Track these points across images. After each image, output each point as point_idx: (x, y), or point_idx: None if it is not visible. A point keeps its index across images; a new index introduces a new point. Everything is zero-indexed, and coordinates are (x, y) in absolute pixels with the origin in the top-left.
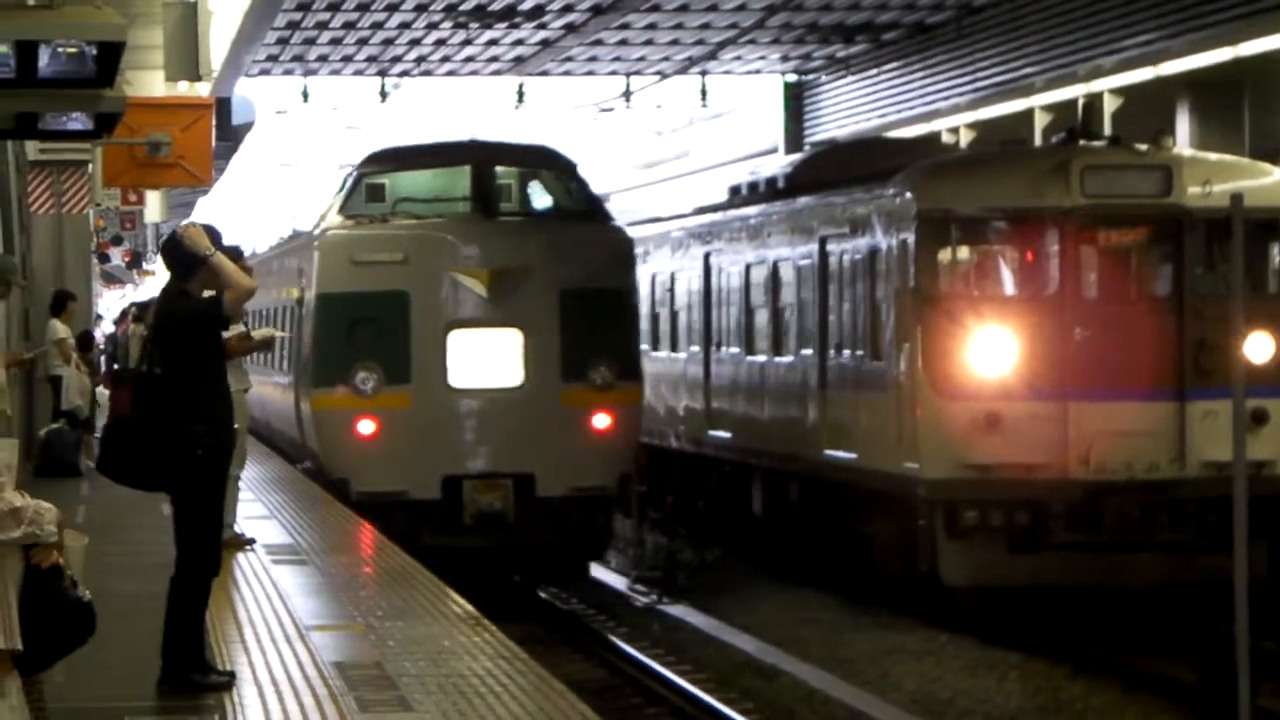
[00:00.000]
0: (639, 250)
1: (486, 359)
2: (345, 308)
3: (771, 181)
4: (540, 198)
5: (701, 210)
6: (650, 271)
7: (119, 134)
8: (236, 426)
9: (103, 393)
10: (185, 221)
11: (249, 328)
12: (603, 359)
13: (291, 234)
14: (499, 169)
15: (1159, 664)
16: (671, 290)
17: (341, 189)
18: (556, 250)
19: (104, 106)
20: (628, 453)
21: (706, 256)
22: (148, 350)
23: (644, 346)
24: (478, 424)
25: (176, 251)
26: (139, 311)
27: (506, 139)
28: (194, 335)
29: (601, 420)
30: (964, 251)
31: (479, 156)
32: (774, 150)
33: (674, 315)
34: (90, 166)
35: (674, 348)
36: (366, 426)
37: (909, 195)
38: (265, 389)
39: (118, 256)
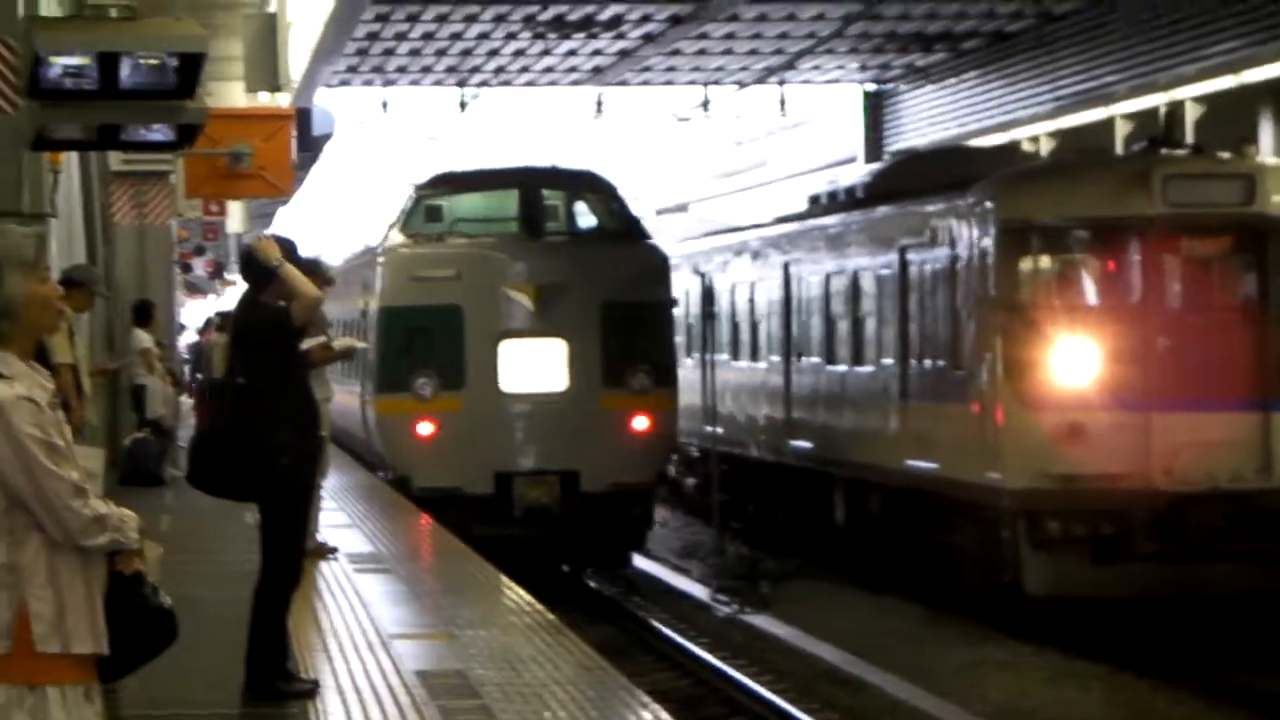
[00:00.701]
0: (719, 259)
1: (534, 366)
2: (405, 319)
3: (851, 191)
4: (583, 218)
5: (781, 220)
6: (729, 281)
7: (200, 145)
8: (322, 434)
9: (186, 401)
10: (260, 233)
11: (330, 338)
12: (641, 366)
13: (362, 249)
14: (545, 192)
15: (1244, 675)
16: (751, 300)
17: (403, 209)
18: (598, 267)
19: (185, 118)
20: (664, 452)
21: (786, 266)
22: (231, 359)
23: (723, 356)
24: (526, 425)
25: (250, 263)
26: (221, 321)
27: (559, 160)
28: (270, 343)
29: (640, 422)
30: (1045, 261)
31: (527, 181)
32: (853, 159)
33: (754, 325)
34: (172, 177)
35: (754, 357)
36: (425, 428)
37: (990, 204)
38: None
39: (200, 267)
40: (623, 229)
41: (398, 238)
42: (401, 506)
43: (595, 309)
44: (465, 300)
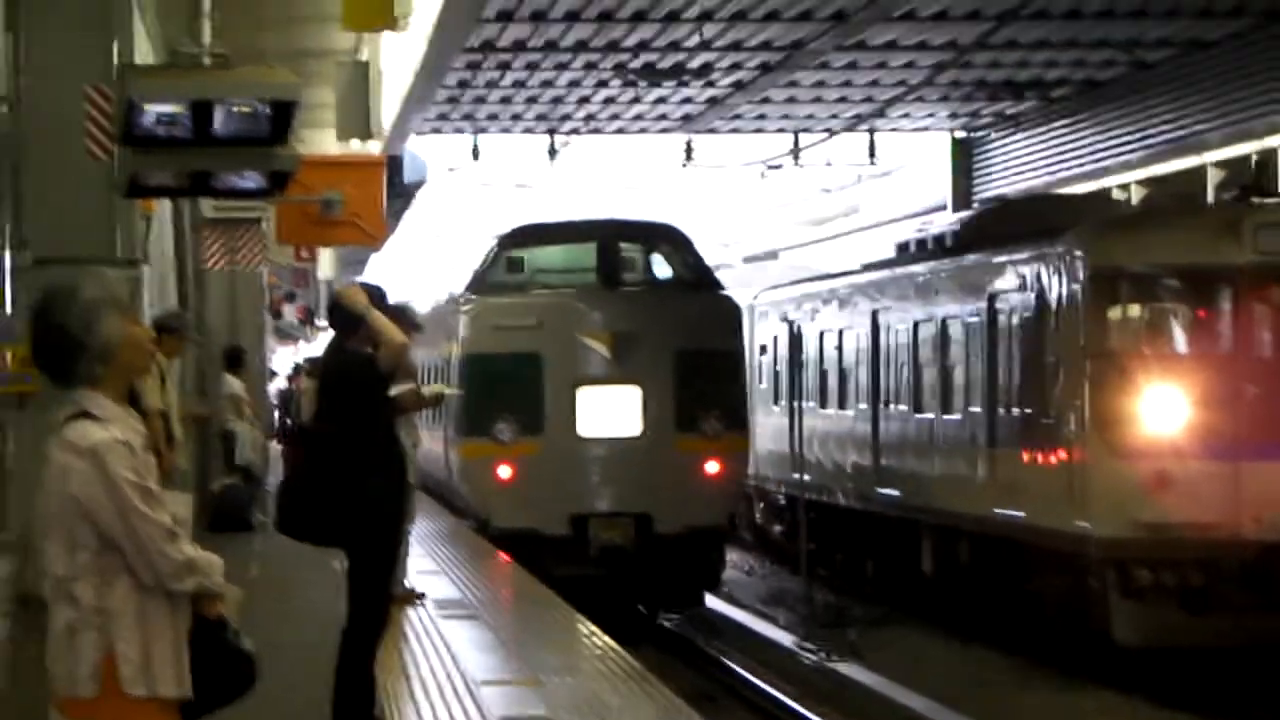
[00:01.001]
0: (808, 307)
1: (610, 411)
2: (487, 366)
3: (940, 239)
4: (658, 269)
5: (869, 267)
6: (818, 328)
7: (292, 191)
8: (410, 481)
9: (275, 448)
10: (349, 280)
11: (419, 384)
12: (712, 411)
13: (447, 298)
14: (622, 244)
15: None
16: (839, 347)
17: (485, 259)
18: (671, 316)
19: (277, 165)
20: (735, 495)
21: (874, 314)
22: (319, 405)
23: (811, 403)
24: (602, 469)
25: (337, 310)
26: (310, 367)
27: (648, 208)
28: (357, 390)
29: (712, 466)
30: (1135, 308)
31: (604, 233)
32: (942, 207)
33: (842, 372)
34: (264, 224)
35: (842, 404)
36: (505, 471)
37: (1080, 252)
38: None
39: (290, 313)
40: (695, 279)
41: (480, 287)
42: (486, 551)
43: (669, 356)
44: (545, 348)
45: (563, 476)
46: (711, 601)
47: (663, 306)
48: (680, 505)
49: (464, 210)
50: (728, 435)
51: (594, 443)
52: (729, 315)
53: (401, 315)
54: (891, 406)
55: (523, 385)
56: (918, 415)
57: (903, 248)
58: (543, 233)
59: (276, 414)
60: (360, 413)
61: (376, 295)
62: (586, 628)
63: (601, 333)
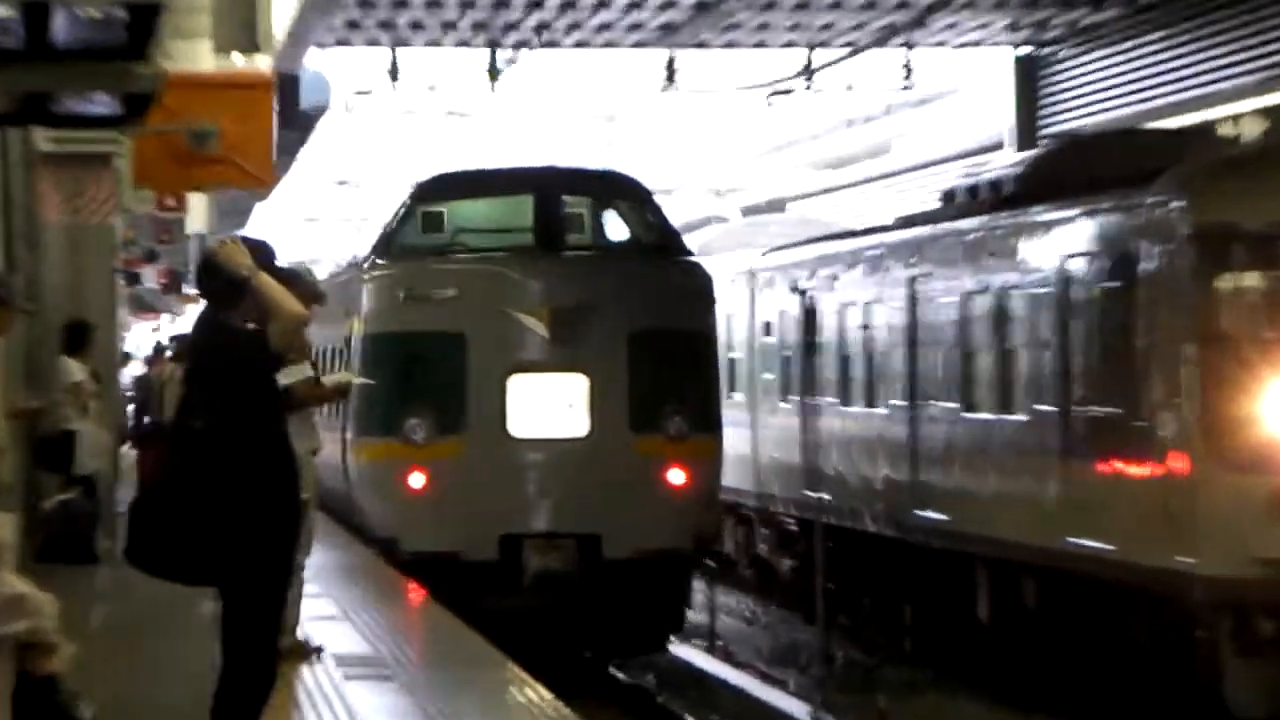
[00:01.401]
0: (824, 274)
1: (548, 406)
2: (396, 348)
3: (997, 186)
4: (611, 230)
5: (905, 223)
6: (837, 301)
7: (154, 121)
8: (305, 497)
9: (128, 453)
10: (227, 237)
11: (319, 371)
12: (677, 407)
13: (348, 263)
14: (566, 198)
15: None
16: (866, 326)
17: (396, 216)
18: (626, 288)
19: (135, 85)
20: (704, 511)
21: (912, 282)
22: (187, 397)
23: (829, 399)
24: (539, 478)
25: (212, 272)
26: (178, 348)
27: (618, 147)
28: (237, 377)
29: (676, 475)
30: (1253, 278)
31: (543, 184)
32: (1000, 145)
33: (869, 358)
34: (117, 162)
35: (869, 401)
36: (417, 480)
37: (1181, 205)
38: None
39: (151, 277)
40: (657, 242)
41: (389, 250)
42: (398, 586)
43: (622, 338)
44: (468, 326)
45: (490, 487)
46: (701, 659)
47: (615, 276)
48: (635, 524)
49: (378, 147)
50: (695, 437)
51: (529, 445)
52: (698, 288)
53: (296, 281)
54: (934, 404)
55: (440, 372)
56: (968, 415)
57: (948, 197)
58: (467, 182)
59: (131, 409)
60: (241, 407)
61: (264, 255)
62: (533, 692)
63: (539, 308)
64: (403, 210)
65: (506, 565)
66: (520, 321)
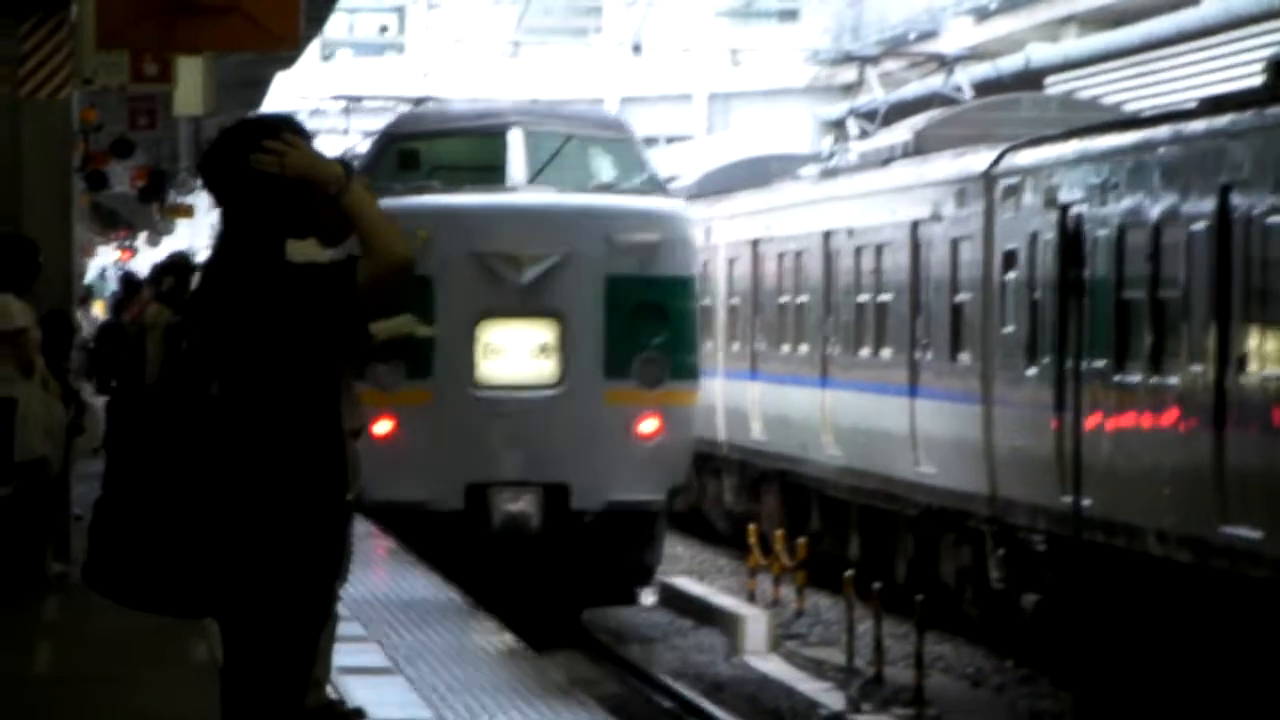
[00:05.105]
0: (1096, 181)
1: (519, 353)
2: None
3: None
4: (590, 170)
5: (1214, 107)
6: (1116, 221)
7: None
8: (349, 497)
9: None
10: (256, 114)
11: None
12: (653, 355)
13: None
14: (544, 136)
15: None
16: (1155, 256)
17: (371, 154)
18: (602, 231)
19: None
20: (679, 463)
21: (1225, 191)
22: (190, 356)
23: (1100, 363)
24: (507, 426)
25: (255, 179)
26: (169, 283)
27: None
28: (306, 331)
29: (649, 424)
30: None
31: (522, 121)
32: None
33: (1157, 306)
34: (73, 10)
35: (1156, 368)
36: (383, 426)
37: None
38: None
39: (123, 179)
40: (637, 185)
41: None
42: (469, 624)
43: (598, 283)
44: (435, 269)
45: (457, 435)
46: None
47: (592, 219)
48: (605, 475)
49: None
50: (671, 385)
51: (498, 392)
52: (678, 232)
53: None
54: (1252, 370)
55: None
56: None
57: (1277, 67)
58: (444, 119)
59: (92, 368)
60: (297, 369)
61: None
62: None
63: (511, 251)
64: (378, 147)
65: (472, 515)
66: (490, 266)
